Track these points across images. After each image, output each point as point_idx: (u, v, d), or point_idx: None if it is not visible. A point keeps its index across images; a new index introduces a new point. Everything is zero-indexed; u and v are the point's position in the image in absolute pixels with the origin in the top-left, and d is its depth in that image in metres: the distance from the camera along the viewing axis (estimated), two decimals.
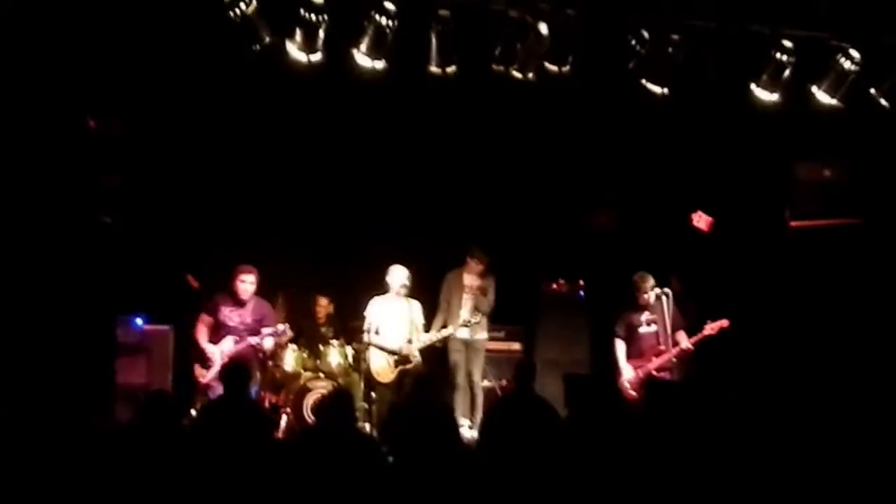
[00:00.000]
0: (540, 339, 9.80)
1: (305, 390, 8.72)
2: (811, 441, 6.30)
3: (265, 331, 8.50)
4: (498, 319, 9.32)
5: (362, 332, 8.62)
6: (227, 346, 8.36)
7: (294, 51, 7.37)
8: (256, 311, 8.54)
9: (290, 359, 8.95)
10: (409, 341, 8.61)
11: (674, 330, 8.42)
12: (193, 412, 7.93)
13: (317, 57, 7.39)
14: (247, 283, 8.44)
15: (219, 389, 7.51)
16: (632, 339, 8.73)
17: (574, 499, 5.15)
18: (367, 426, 8.36)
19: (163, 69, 8.10)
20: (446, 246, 9.37)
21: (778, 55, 7.76)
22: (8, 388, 7.18)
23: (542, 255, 9.95)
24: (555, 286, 10.02)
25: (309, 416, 8.54)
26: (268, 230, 9.63)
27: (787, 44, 7.73)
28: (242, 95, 9.00)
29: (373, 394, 8.90)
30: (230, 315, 8.44)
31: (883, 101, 8.04)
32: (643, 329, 8.68)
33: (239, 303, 8.47)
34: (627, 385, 8.60)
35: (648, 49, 7.75)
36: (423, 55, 7.59)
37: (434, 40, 7.53)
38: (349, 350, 9.07)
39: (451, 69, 7.64)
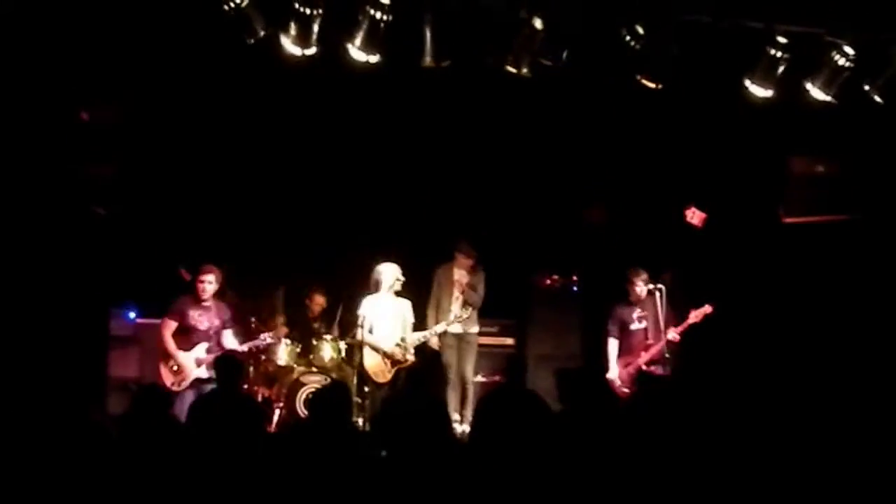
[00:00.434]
0: (533, 334, 9.82)
1: (298, 384, 8.73)
2: (806, 435, 6.32)
3: (263, 337, 8.50)
4: (491, 314, 9.32)
5: (357, 327, 8.63)
6: (200, 353, 8.12)
7: (288, 44, 7.35)
8: (220, 313, 8.35)
9: (283, 353, 8.95)
10: (402, 339, 8.59)
11: (665, 325, 8.44)
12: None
13: (311, 51, 7.37)
14: (206, 283, 8.20)
15: (189, 398, 7.47)
16: (623, 334, 8.75)
17: (566, 493, 5.16)
18: (360, 420, 8.36)
19: (157, 60, 8.09)
20: (436, 240, 9.34)
21: (772, 51, 7.76)
22: (0, 381, 7.18)
23: (535, 250, 9.95)
24: (548, 281, 10.03)
25: (302, 410, 8.54)
26: (263, 223, 9.64)
27: (781, 39, 7.73)
28: (237, 87, 8.99)
29: (366, 388, 8.91)
30: (199, 319, 8.20)
31: (877, 98, 8.04)
32: (634, 325, 8.70)
33: (203, 304, 8.24)
34: (618, 382, 8.61)
35: (642, 44, 7.75)
36: (418, 49, 7.58)
37: (428, 34, 7.52)
38: (342, 345, 9.07)
39: (445, 63, 7.63)
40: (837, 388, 8.20)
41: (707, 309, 8.43)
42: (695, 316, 8.44)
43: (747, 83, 7.94)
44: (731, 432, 5.87)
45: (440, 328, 8.75)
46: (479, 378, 9.23)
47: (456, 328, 8.86)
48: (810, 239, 9.12)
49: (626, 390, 8.54)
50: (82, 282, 8.31)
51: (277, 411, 8.71)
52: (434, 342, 8.81)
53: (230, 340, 8.34)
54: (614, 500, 4.92)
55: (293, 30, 7.31)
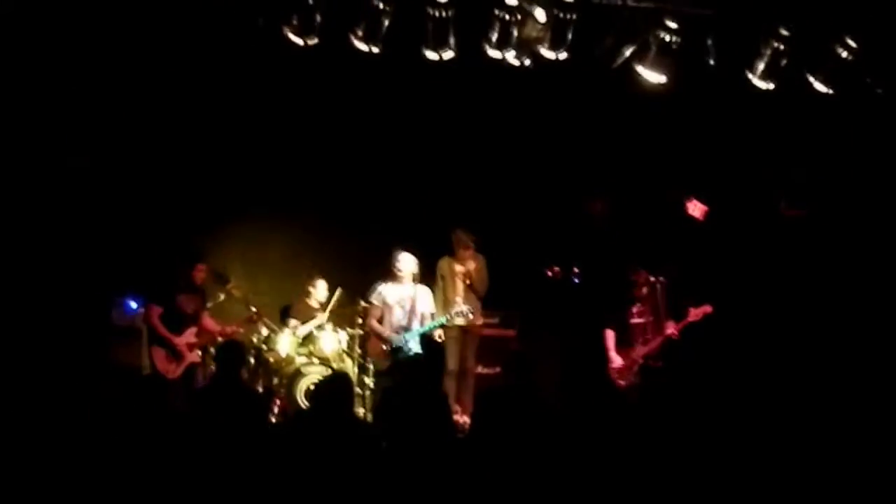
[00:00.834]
0: (534, 326, 9.81)
1: (299, 375, 8.73)
2: (806, 429, 6.35)
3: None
4: (492, 305, 9.31)
5: (361, 316, 8.63)
6: (191, 338, 8.46)
7: (291, 35, 7.35)
8: (201, 297, 8.69)
9: (285, 343, 8.96)
10: (406, 329, 8.57)
11: (665, 318, 8.45)
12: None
13: (314, 41, 7.37)
14: (201, 272, 8.64)
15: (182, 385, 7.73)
16: (622, 327, 8.75)
17: (568, 486, 5.18)
18: (362, 411, 8.36)
19: (161, 57, 8.14)
20: (438, 232, 9.31)
21: (775, 43, 7.75)
22: (4, 372, 7.20)
23: (537, 242, 9.95)
24: (550, 272, 10.02)
25: (302, 401, 8.55)
26: (268, 213, 9.67)
27: (784, 32, 7.72)
28: (240, 78, 9.01)
29: (366, 379, 8.93)
30: (186, 303, 8.50)
31: (878, 90, 8.04)
32: (634, 319, 8.71)
33: (190, 290, 8.55)
34: (616, 374, 8.63)
35: (644, 36, 7.75)
36: (419, 40, 7.58)
37: (430, 25, 7.51)
38: (343, 335, 9.07)
39: (446, 54, 7.62)
40: (837, 383, 8.22)
41: (707, 308, 8.42)
42: (694, 315, 8.44)
43: (750, 76, 7.94)
44: (731, 426, 5.89)
45: (442, 320, 8.67)
46: (480, 369, 9.22)
47: (459, 318, 8.80)
48: (811, 232, 9.14)
49: (622, 382, 8.55)
50: (85, 273, 8.36)
51: (278, 401, 8.71)
52: (437, 332, 8.79)
53: (210, 322, 8.70)
54: (615, 492, 4.94)
55: (296, 20, 7.33)
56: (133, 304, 9.11)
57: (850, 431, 6.51)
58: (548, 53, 7.67)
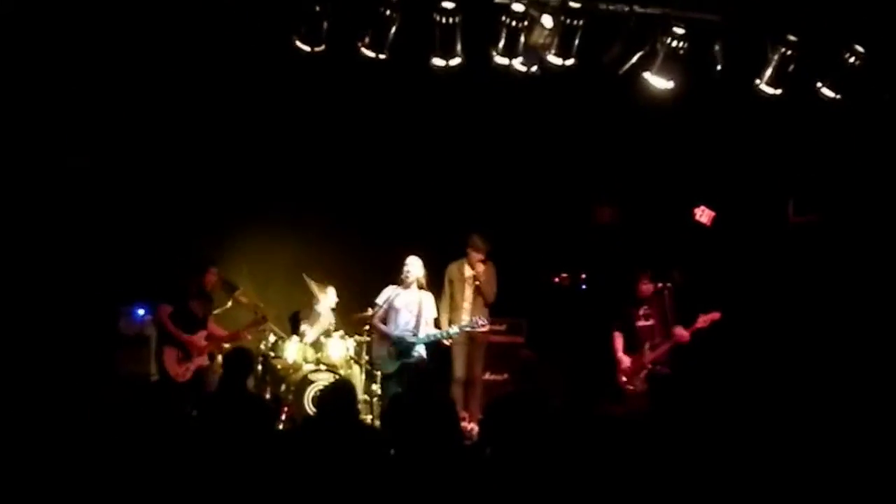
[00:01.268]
0: (541, 333, 9.80)
1: (307, 382, 8.73)
2: (813, 433, 6.32)
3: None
4: (500, 312, 9.30)
5: (368, 319, 8.63)
6: (201, 341, 8.44)
7: (299, 42, 7.37)
8: (209, 303, 8.70)
9: (292, 350, 8.96)
10: (415, 334, 8.54)
11: (673, 323, 8.44)
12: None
13: (321, 48, 7.39)
14: (213, 276, 8.64)
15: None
16: (629, 332, 8.74)
17: (576, 493, 5.16)
18: (370, 418, 8.35)
19: (170, 58, 8.16)
20: (447, 238, 9.31)
21: (782, 49, 7.75)
22: (11, 380, 7.21)
23: (544, 249, 9.94)
24: (557, 279, 10.02)
25: (310, 408, 8.54)
26: (274, 221, 9.69)
27: (792, 38, 7.72)
28: (248, 85, 9.03)
29: (374, 386, 8.92)
30: (197, 307, 8.50)
31: (886, 96, 8.03)
32: (641, 322, 8.69)
33: (201, 294, 8.57)
34: (624, 378, 8.61)
35: (652, 43, 7.76)
36: (426, 47, 7.59)
37: (437, 32, 7.52)
38: (351, 342, 9.07)
39: (454, 62, 7.63)
40: (846, 389, 8.19)
41: (715, 315, 8.40)
42: (703, 321, 8.41)
43: (758, 83, 7.94)
44: (740, 430, 5.87)
45: (454, 331, 8.66)
46: (487, 376, 9.21)
47: (466, 325, 8.79)
48: (819, 238, 9.12)
49: (630, 387, 8.53)
50: (93, 282, 8.38)
51: (286, 408, 8.70)
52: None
53: (215, 327, 8.69)
54: (622, 499, 4.93)
55: (303, 28, 7.35)
56: (141, 312, 9.12)
57: (860, 437, 6.48)
58: (555, 60, 7.67)
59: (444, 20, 7.42)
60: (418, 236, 9.31)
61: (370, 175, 9.84)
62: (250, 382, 8.85)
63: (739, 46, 7.84)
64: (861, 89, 8.01)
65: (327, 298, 9.21)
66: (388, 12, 7.29)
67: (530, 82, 8.01)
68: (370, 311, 8.67)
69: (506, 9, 7.47)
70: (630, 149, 9.67)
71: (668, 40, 7.65)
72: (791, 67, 7.81)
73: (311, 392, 8.64)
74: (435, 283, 8.93)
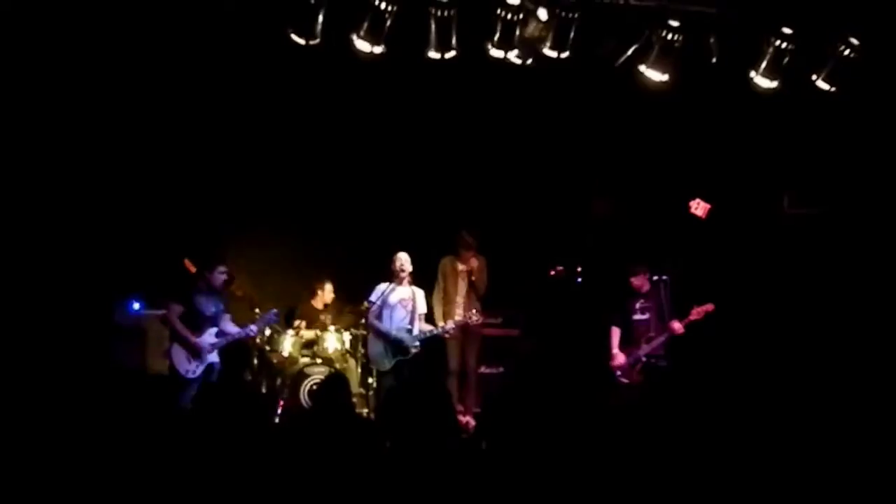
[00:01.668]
0: (537, 325, 9.80)
1: (303, 375, 8.73)
2: (809, 428, 6.33)
3: (267, 315, 8.54)
4: (495, 305, 9.31)
5: (364, 314, 8.62)
6: (212, 339, 8.17)
7: (293, 35, 7.35)
8: (222, 300, 8.40)
9: (288, 344, 8.96)
10: (409, 331, 8.52)
11: (669, 317, 8.45)
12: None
13: (316, 41, 7.37)
14: (221, 273, 8.32)
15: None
16: (625, 325, 8.75)
17: (572, 487, 5.17)
18: (365, 411, 8.35)
19: (164, 54, 8.14)
20: (442, 232, 9.30)
21: (777, 42, 7.75)
22: (8, 373, 7.21)
23: (540, 241, 9.94)
24: (553, 272, 10.02)
25: (306, 402, 8.54)
26: (270, 215, 9.67)
27: (787, 30, 7.72)
28: (245, 80, 9.01)
29: (370, 379, 8.92)
30: (206, 305, 8.22)
31: (881, 88, 8.04)
32: (637, 316, 8.71)
33: (209, 291, 8.30)
34: (619, 371, 8.62)
35: (647, 35, 7.75)
36: (422, 40, 7.57)
37: (432, 25, 7.51)
38: (346, 336, 9.07)
39: (449, 54, 7.62)
40: (841, 382, 8.20)
41: (709, 307, 8.42)
42: (697, 313, 8.43)
43: (753, 75, 7.93)
44: (733, 424, 5.88)
45: (449, 326, 8.66)
46: (483, 369, 9.22)
47: (461, 319, 8.79)
48: (814, 230, 9.13)
49: (625, 380, 8.55)
50: (88, 275, 8.36)
51: (281, 402, 8.71)
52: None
53: (230, 326, 8.39)
54: (619, 492, 4.93)
55: (299, 21, 7.33)
56: (136, 305, 9.11)
57: (854, 430, 6.49)
58: (550, 53, 7.66)
59: (439, 13, 7.41)
60: (412, 229, 9.31)
61: (365, 168, 9.82)
62: (247, 375, 8.90)
63: (734, 39, 7.83)
64: (856, 82, 8.01)
65: (325, 294, 9.23)
66: (383, 5, 7.27)
67: (525, 75, 8.00)
68: (365, 305, 8.67)
69: (501, 1, 7.45)
70: (625, 142, 9.67)
71: (664, 33, 7.65)
72: (786, 60, 7.81)
73: (306, 386, 8.64)
74: (425, 276, 8.92)
